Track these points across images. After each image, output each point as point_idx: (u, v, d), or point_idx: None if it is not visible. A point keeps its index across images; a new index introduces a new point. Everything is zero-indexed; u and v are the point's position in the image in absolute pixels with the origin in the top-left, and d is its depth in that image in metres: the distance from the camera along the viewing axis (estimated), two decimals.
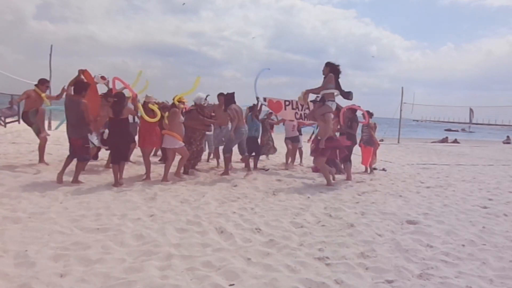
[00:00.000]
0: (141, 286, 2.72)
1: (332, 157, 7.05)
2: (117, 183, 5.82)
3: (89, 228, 3.91)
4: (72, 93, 5.95)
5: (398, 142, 19.76)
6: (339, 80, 7.09)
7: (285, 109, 8.48)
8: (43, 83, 7.26)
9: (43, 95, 7.15)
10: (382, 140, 21.39)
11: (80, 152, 5.89)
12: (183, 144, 6.50)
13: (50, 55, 14.34)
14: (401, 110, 20.41)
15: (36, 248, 3.30)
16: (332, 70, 6.99)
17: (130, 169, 7.25)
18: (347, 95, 7.21)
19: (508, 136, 27.98)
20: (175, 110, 6.43)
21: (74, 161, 5.99)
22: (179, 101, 6.61)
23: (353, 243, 3.82)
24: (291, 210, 5.01)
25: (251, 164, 8.20)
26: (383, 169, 9.13)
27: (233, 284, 2.84)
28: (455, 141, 24.36)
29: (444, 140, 24.95)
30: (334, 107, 7.01)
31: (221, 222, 4.28)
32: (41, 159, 7.22)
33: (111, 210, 4.59)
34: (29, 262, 3.02)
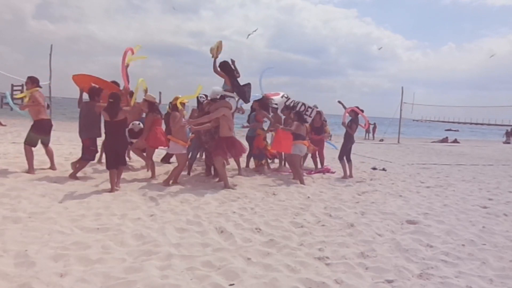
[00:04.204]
0: (141, 286, 2.72)
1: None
2: (113, 189, 5.47)
3: (89, 228, 3.91)
4: (89, 99, 6.31)
5: (398, 142, 19.77)
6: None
7: (282, 97, 8.37)
8: None
9: None
10: (382, 140, 21.46)
11: (85, 151, 6.21)
12: (185, 151, 6.30)
13: (50, 54, 14.26)
14: (401, 110, 20.46)
15: (36, 248, 3.30)
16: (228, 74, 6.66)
17: (131, 170, 7.24)
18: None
19: (508, 136, 27.98)
20: (176, 113, 6.14)
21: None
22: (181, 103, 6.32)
23: (353, 243, 3.82)
24: (291, 210, 5.01)
25: (250, 164, 8.19)
26: (383, 169, 9.15)
27: (233, 284, 2.84)
28: (455, 141, 24.39)
29: (444, 140, 25.00)
30: (233, 103, 6.61)
31: (221, 222, 4.28)
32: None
33: (111, 210, 4.59)
34: (29, 262, 3.02)
